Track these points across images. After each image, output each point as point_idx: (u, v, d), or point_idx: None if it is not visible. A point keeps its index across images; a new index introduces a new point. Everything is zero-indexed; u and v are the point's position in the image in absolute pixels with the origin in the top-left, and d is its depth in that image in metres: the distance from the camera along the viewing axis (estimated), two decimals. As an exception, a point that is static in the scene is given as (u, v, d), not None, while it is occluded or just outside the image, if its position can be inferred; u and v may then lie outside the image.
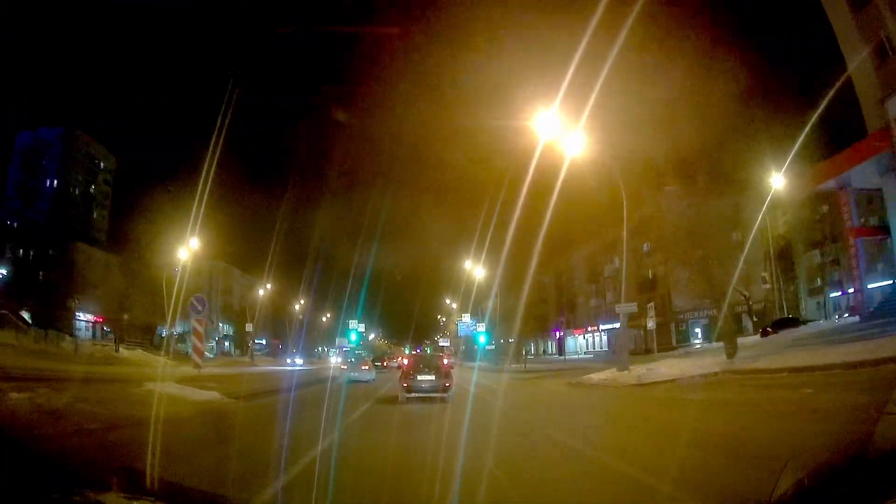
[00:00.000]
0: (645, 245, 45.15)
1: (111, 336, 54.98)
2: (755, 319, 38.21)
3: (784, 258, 43.79)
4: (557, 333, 62.29)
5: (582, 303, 56.11)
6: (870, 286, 26.41)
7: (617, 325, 47.32)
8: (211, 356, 59.32)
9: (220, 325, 64.05)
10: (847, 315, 32.05)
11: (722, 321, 18.59)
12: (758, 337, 31.15)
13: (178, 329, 64.03)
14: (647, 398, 12.98)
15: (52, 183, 76.37)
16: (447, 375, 14.46)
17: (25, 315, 47.15)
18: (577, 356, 53.18)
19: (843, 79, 19.02)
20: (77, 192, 77.07)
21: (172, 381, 13.43)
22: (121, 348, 35.73)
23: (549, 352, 64.37)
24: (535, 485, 5.06)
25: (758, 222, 33.31)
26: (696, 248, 38.96)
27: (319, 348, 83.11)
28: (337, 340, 55.03)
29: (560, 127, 16.98)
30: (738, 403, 10.19)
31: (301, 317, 75.16)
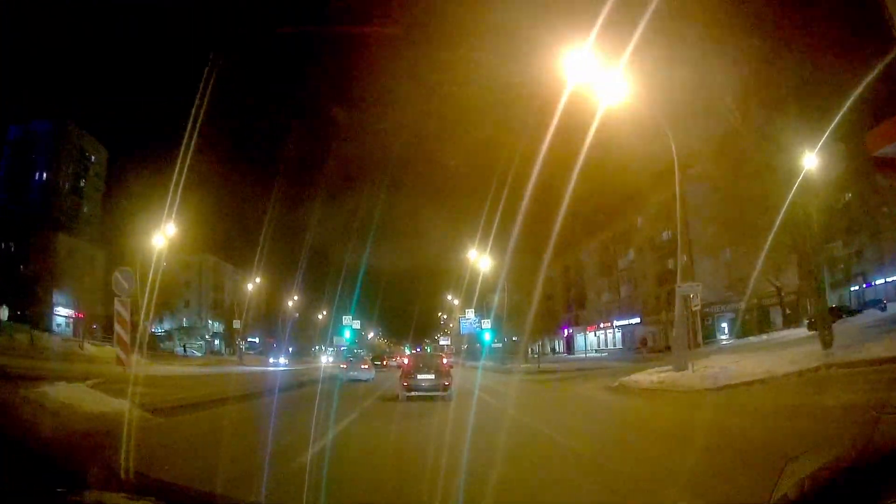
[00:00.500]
0: (665, 233, 41.79)
1: (96, 331, 52.28)
2: (788, 312, 34.87)
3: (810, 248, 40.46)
4: (566, 331, 59.03)
5: (593, 298, 52.80)
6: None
7: (634, 321, 44.23)
8: (199, 354, 56.24)
9: (210, 322, 60.81)
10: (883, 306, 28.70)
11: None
12: (803, 329, 27.74)
13: (165, 326, 61.24)
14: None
15: (41, 175, 73.66)
16: (447, 374, 14.48)
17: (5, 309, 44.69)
18: (586, 355, 49.87)
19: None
20: (67, 186, 74.39)
21: (90, 382, 10.27)
22: (87, 344, 32.50)
23: (557, 350, 60.99)
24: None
25: (785, 204, 30.20)
26: (722, 235, 35.29)
27: (317, 347, 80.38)
28: (334, 339, 51.60)
29: (592, 71, 13.62)
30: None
31: (297, 314, 72.35)
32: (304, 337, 70.83)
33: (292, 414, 11.00)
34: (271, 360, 39.81)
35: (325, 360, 47.32)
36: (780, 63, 15.37)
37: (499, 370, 35.29)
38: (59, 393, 7.99)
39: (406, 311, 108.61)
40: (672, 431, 8.01)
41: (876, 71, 13.15)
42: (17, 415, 6.33)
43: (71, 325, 54.62)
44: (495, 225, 31.80)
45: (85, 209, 78.04)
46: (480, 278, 38.75)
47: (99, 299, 54.00)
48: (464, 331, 69.21)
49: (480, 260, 37.53)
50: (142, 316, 36.72)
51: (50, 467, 3.05)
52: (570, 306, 57.74)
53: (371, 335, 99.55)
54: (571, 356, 50.86)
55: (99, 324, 54.47)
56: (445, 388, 14.03)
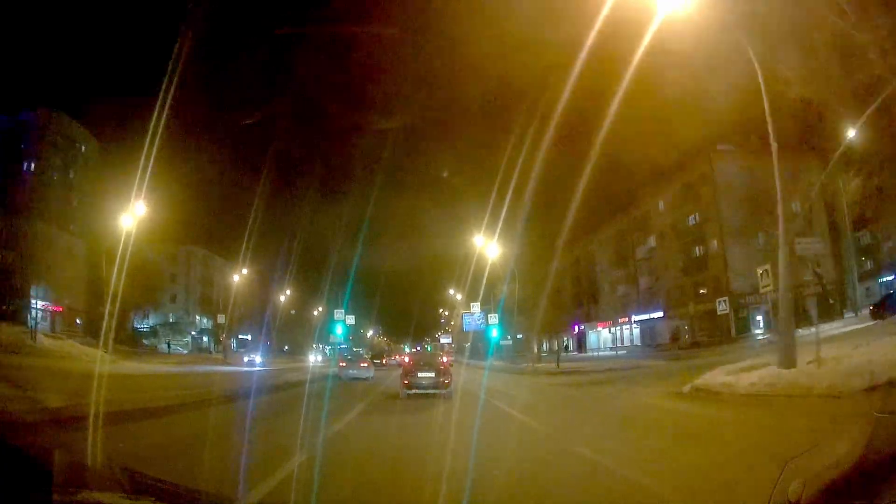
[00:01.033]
0: (692, 216, 38.09)
1: (79, 326, 49.31)
2: (832, 302, 31.11)
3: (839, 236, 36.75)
4: (576, 328, 55.32)
5: (607, 292, 49.05)
6: None
7: (655, 315, 40.46)
8: (185, 352, 52.85)
9: (198, 318, 57.24)
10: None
11: None
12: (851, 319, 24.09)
13: (150, 321, 57.77)
14: None
15: (28, 166, 70.56)
16: (446, 373, 14.78)
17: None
18: (599, 353, 46.13)
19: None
20: (54, 176, 71.32)
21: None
22: (43, 337, 29.05)
23: (566, 349, 57.12)
24: None
25: (817, 186, 26.69)
26: (758, 218, 31.52)
27: (315, 346, 77.23)
28: (331, 338, 47.79)
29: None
30: None
31: (294, 312, 68.86)
32: (301, 335, 67.41)
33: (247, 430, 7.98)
34: (245, 359, 35.63)
35: (314, 359, 43.53)
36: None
37: (510, 370, 31.60)
38: None
39: (406, 309, 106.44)
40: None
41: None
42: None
43: (49, 319, 51.23)
44: (504, 210, 28.12)
45: (75, 202, 74.69)
46: (487, 268, 34.97)
47: (82, 292, 50.79)
48: (467, 328, 65.45)
49: (487, 247, 33.81)
50: (107, 308, 33.21)
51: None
52: (581, 301, 54.03)
53: (370, 333, 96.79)
54: (583, 355, 47.10)
55: (82, 318, 51.25)
56: (445, 385, 14.33)
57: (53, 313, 51.53)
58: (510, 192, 25.85)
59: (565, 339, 58.71)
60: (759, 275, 16.81)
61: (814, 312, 33.60)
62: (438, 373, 14.44)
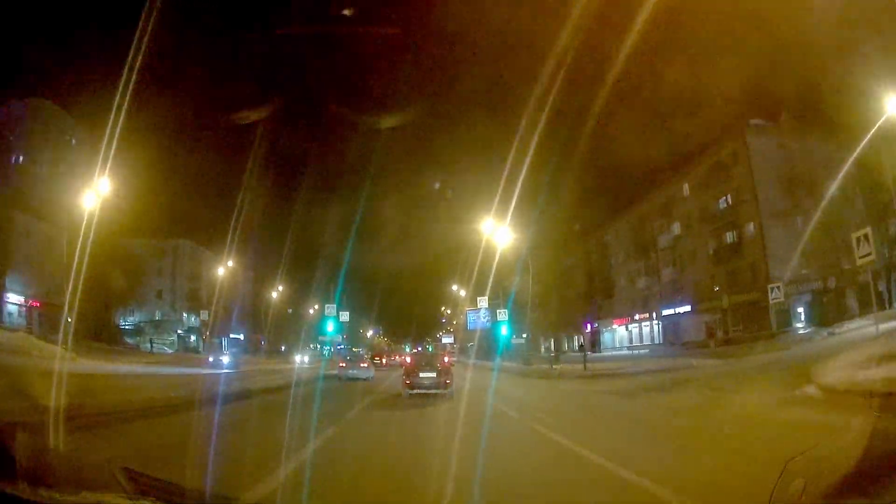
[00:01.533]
0: (723, 199, 34.34)
1: (69, 324, 46.12)
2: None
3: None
4: (588, 325, 51.53)
5: (624, 286, 45.29)
6: None
7: (682, 309, 36.57)
8: (169, 351, 49.44)
9: (185, 315, 53.69)
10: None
11: None
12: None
13: (135, 318, 54.36)
14: None
15: (17, 159, 67.42)
16: (447, 373, 14.87)
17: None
18: (618, 352, 42.34)
19: None
20: (41, 167, 68.17)
21: None
22: None
23: (576, 348, 53.17)
24: None
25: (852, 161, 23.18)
26: (798, 199, 27.94)
27: (314, 345, 73.80)
28: (323, 336, 43.98)
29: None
30: None
31: (290, 311, 65.39)
32: (295, 334, 63.92)
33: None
34: (210, 358, 31.47)
35: (300, 360, 39.76)
36: None
37: (526, 373, 27.88)
38: None
39: (407, 309, 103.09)
40: None
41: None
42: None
43: (24, 315, 47.79)
44: (515, 195, 24.39)
45: (57, 192, 71.40)
46: (496, 258, 31.16)
47: (62, 286, 47.31)
48: (471, 326, 61.60)
49: (497, 235, 30.05)
50: (66, 299, 29.72)
51: None
52: (593, 299, 50.22)
53: (370, 333, 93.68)
54: (600, 355, 43.16)
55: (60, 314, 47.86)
56: (446, 385, 14.46)
57: (31, 308, 48.07)
58: (522, 173, 22.24)
59: (575, 338, 54.98)
60: (854, 242, 13.21)
61: (803, 311, 29.95)
62: (440, 373, 14.64)
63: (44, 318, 46.07)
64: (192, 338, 55.65)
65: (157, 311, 55.93)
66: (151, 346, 45.27)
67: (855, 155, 22.27)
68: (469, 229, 33.31)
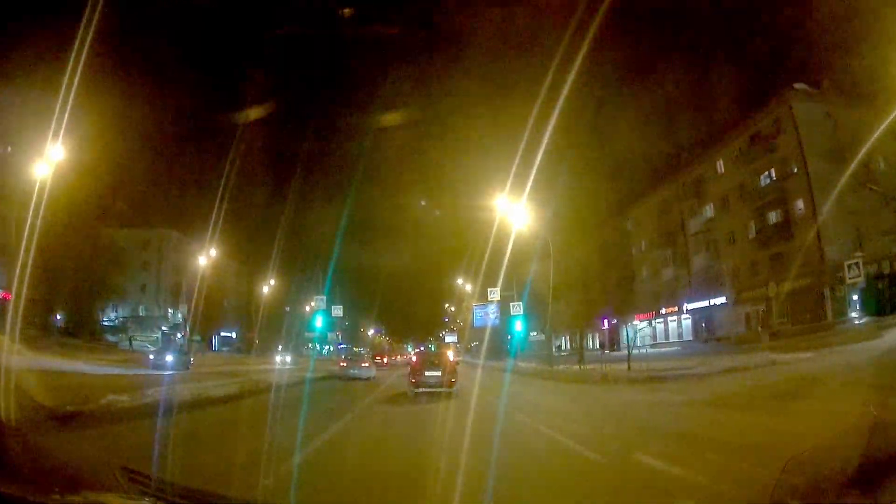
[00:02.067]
0: (765, 174, 30.44)
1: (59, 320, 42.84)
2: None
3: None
4: (605, 322, 47.59)
5: (647, 278, 41.35)
6: None
7: (717, 301, 32.33)
8: (152, 348, 45.77)
9: (170, 311, 49.97)
10: None
11: None
12: None
13: (118, 313, 50.71)
14: None
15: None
16: (452, 371, 15.10)
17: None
18: (643, 351, 38.26)
19: None
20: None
21: None
22: None
23: (590, 346, 49.13)
24: None
25: None
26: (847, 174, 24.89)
27: (311, 345, 70.16)
28: (318, 333, 39.92)
29: None
30: None
31: (288, 309, 61.68)
32: (293, 332, 60.13)
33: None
34: (151, 356, 26.62)
35: (281, 360, 35.72)
36: None
37: (549, 375, 23.92)
38: None
39: (409, 308, 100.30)
40: None
41: None
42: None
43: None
44: (534, 167, 20.53)
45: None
46: (511, 241, 27.15)
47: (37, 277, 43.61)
48: (478, 323, 57.48)
49: (511, 213, 26.09)
50: (14, 285, 26.46)
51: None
52: (611, 291, 46.20)
53: (372, 332, 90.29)
54: (621, 353, 39.13)
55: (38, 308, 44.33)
56: (451, 384, 14.57)
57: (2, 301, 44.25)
58: (542, 144, 18.46)
59: (590, 335, 50.95)
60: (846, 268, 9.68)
61: (858, 298, 26.20)
62: (445, 371, 14.81)
63: (26, 313, 42.55)
64: (178, 335, 51.89)
65: (140, 307, 52.31)
66: (130, 343, 41.51)
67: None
68: (478, 214, 29.52)
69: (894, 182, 25.08)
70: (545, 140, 18.77)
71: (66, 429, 6.74)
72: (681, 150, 35.46)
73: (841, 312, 26.38)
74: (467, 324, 70.25)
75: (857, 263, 18.16)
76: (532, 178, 20.82)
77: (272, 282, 45.77)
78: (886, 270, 25.52)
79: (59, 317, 44.06)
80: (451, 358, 16.39)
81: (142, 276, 52.07)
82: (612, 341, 45.84)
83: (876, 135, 21.43)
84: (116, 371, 16.96)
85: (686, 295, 35.76)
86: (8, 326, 24.34)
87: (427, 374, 14.65)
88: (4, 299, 43.49)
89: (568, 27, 13.35)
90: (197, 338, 46.19)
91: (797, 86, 29.47)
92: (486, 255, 30.87)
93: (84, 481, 2.66)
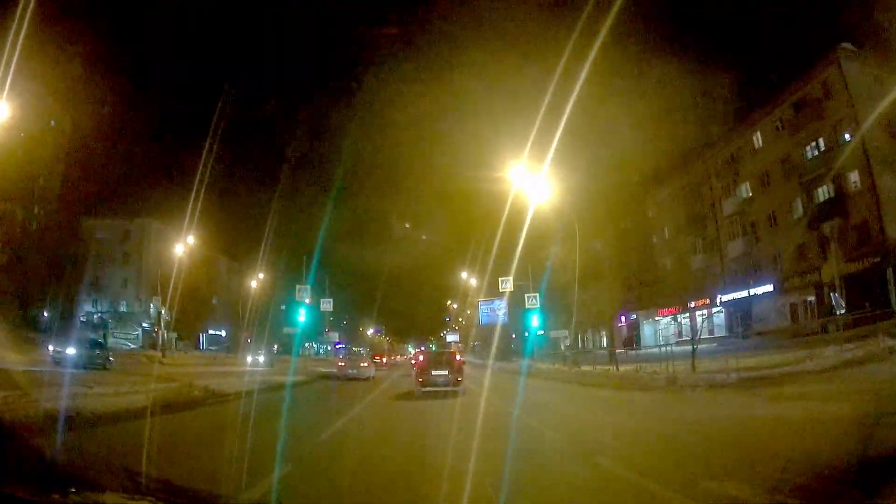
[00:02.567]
0: (812, 145, 26.88)
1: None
2: None
3: None
4: (623, 318, 44.02)
5: (672, 269, 37.70)
6: None
7: (762, 290, 28.18)
8: (133, 347, 42.27)
9: (152, 307, 46.31)
10: None
11: None
12: None
13: (95, 308, 47.13)
14: None
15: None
16: (459, 370, 15.02)
17: None
18: (667, 348, 34.51)
19: None
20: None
21: None
22: None
23: (594, 346, 45.13)
24: None
25: None
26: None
27: (306, 343, 66.75)
28: (299, 329, 35.60)
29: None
30: None
31: (284, 307, 58.10)
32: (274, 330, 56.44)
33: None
34: (52, 348, 21.02)
35: (252, 360, 31.85)
36: None
37: (578, 379, 20.21)
38: None
39: (410, 308, 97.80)
40: None
41: None
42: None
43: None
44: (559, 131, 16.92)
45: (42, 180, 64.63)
46: (527, 223, 23.35)
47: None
48: (483, 320, 53.74)
49: (528, 187, 22.36)
50: None
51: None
52: (631, 284, 42.44)
53: (371, 332, 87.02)
54: (644, 352, 35.41)
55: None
56: (458, 382, 14.57)
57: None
58: (572, 98, 15.05)
59: (603, 333, 47.16)
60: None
61: None
62: (451, 370, 14.80)
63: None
64: (164, 333, 48.21)
65: (123, 303, 48.75)
66: (105, 341, 37.84)
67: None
68: (488, 196, 25.94)
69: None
70: (573, 97, 15.33)
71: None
72: (712, 124, 31.79)
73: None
74: (469, 322, 66.76)
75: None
76: (557, 139, 17.19)
77: (261, 276, 42.03)
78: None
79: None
80: (458, 357, 16.47)
81: (123, 271, 48.55)
82: (631, 340, 42.19)
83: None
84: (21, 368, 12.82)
85: (719, 285, 32.09)
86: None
87: (434, 373, 14.73)
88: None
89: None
90: (174, 334, 42.62)
91: (845, 44, 25.99)
92: (497, 241, 27.20)
93: (84, 481, 2.56)
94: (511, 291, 29.88)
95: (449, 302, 75.86)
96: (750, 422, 7.51)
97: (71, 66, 31.41)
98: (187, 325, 47.70)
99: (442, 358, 15.94)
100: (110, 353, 22.63)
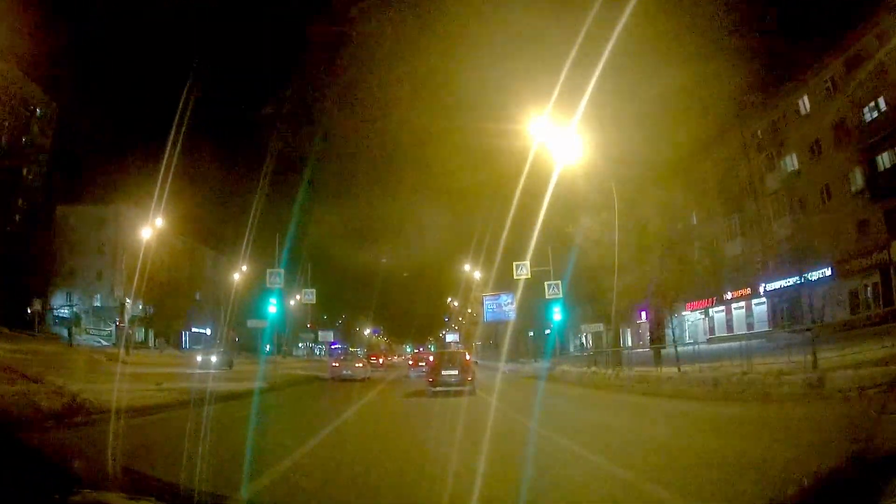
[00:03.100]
0: (870, 105, 23.33)
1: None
2: None
3: None
4: (643, 314, 40.17)
5: (700, 257, 33.93)
6: None
7: (819, 274, 24.01)
8: (107, 344, 38.47)
9: (129, 302, 42.51)
10: None
11: None
12: None
13: (68, 302, 43.36)
14: None
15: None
16: (469, 370, 15.41)
17: None
18: (697, 346, 30.76)
19: None
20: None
21: None
22: None
23: (668, 341, 40.97)
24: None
25: None
26: None
27: (305, 343, 63.27)
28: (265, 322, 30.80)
29: None
30: None
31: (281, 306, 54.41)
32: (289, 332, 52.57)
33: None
34: None
35: (203, 360, 27.51)
36: None
37: (643, 389, 15.90)
38: None
39: (409, 308, 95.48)
40: None
41: None
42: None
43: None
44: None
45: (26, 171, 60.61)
46: (549, 192, 19.50)
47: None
48: (488, 317, 49.45)
49: (550, 144, 18.61)
50: None
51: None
52: (650, 282, 38.66)
53: (368, 332, 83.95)
54: (673, 350, 31.54)
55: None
56: (469, 382, 14.86)
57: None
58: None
59: (621, 331, 43.28)
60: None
61: None
62: (462, 370, 15.07)
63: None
64: (143, 332, 44.39)
65: (98, 296, 45.00)
66: (70, 338, 34.07)
67: None
68: (496, 174, 22.22)
69: None
70: (613, 39, 11.87)
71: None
72: (749, 92, 28.16)
73: None
74: (471, 320, 62.86)
75: None
76: (594, 81, 13.43)
77: (244, 268, 38.24)
78: None
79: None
80: (468, 357, 16.85)
81: (98, 262, 44.83)
82: (656, 336, 38.39)
83: None
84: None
85: (763, 273, 28.42)
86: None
87: (444, 373, 14.96)
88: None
89: None
90: (150, 331, 38.91)
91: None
92: (509, 221, 23.40)
93: (84, 481, 2.45)
94: (527, 278, 25.99)
95: (449, 300, 72.12)
96: None
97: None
98: (166, 321, 43.96)
99: (453, 358, 16.22)
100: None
